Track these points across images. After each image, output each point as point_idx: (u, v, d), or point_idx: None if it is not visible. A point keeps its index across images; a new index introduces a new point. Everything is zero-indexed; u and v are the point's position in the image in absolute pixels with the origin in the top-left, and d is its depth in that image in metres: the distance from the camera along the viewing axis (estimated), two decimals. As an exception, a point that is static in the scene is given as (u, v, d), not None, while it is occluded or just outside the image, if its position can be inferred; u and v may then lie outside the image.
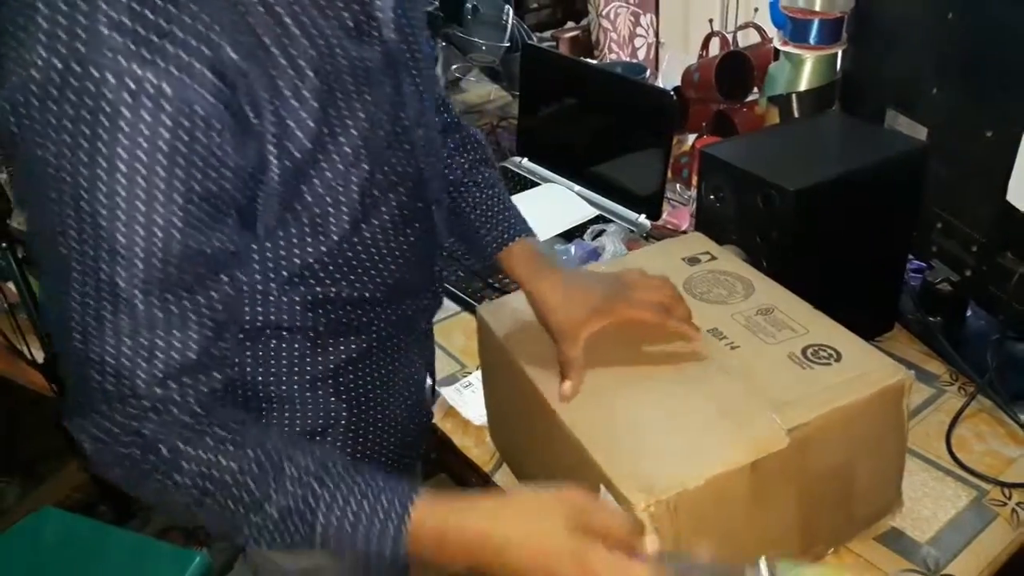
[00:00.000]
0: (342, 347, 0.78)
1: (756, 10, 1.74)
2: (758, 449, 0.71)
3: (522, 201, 1.53)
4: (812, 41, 1.29)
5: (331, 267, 0.71)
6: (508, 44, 1.85)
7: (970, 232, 1.10)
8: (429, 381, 0.96)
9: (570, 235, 1.40)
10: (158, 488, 0.63)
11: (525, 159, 1.65)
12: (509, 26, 1.83)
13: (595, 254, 1.29)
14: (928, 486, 0.94)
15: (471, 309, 1.21)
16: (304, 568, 0.87)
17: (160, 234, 0.57)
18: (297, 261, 0.69)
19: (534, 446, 0.88)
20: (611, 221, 1.42)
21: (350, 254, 0.71)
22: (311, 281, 0.71)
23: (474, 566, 0.62)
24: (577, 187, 1.54)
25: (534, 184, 1.57)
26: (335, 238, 0.69)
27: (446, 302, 1.03)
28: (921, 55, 1.16)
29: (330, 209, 0.67)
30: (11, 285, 1.48)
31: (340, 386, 0.79)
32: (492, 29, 1.84)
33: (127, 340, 0.58)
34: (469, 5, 1.81)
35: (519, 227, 0.90)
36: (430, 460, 1.09)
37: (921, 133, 1.16)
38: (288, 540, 0.62)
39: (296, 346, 0.75)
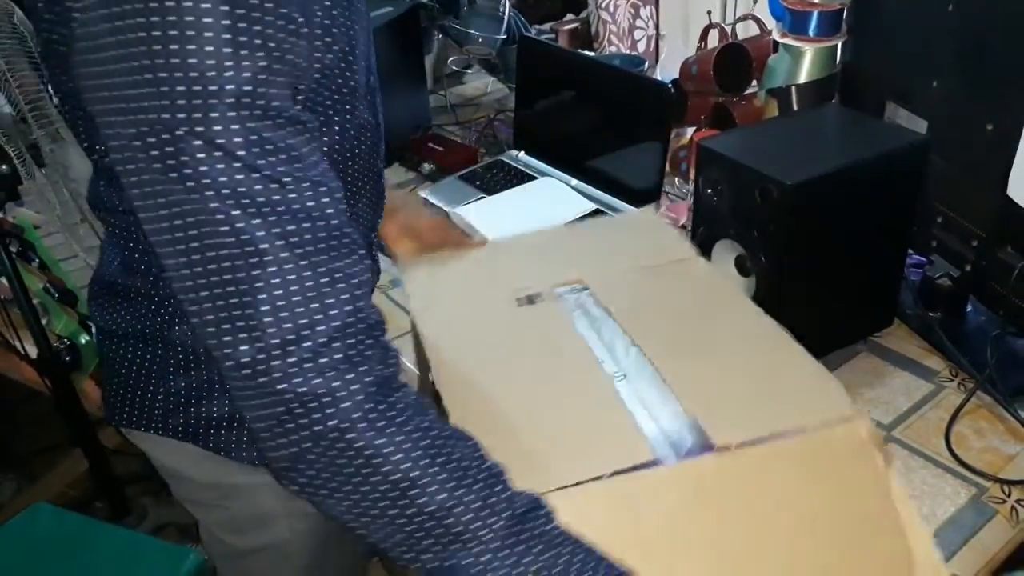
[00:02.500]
0: None
1: (755, 2, 1.72)
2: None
3: (519, 195, 1.54)
4: (811, 33, 1.27)
5: None
6: (505, 36, 1.83)
7: (970, 227, 1.09)
8: None
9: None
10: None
11: (522, 152, 1.64)
12: (506, 18, 1.82)
13: (592, 249, 1.28)
14: (927, 483, 0.93)
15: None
16: (259, 545, 0.86)
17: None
18: None
19: None
20: (608, 215, 1.41)
21: None
22: None
23: None
24: (574, 180, 1.52)
25: (531, 177, 1.56)
26: None
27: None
28: (921, 47, 1.15)
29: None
30: (3, 280, 1.47)
31: None
32: (489, 21, 1.83)
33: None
34: (465, -4, 1.80)
35: None
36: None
37: (921, 126, 1.15)
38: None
39: None
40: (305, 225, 0.55)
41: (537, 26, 2.02)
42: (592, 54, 1.87)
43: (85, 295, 1.60)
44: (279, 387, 0.54)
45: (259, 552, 0.86)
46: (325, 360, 0.55)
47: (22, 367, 1.56)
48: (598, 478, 0.62)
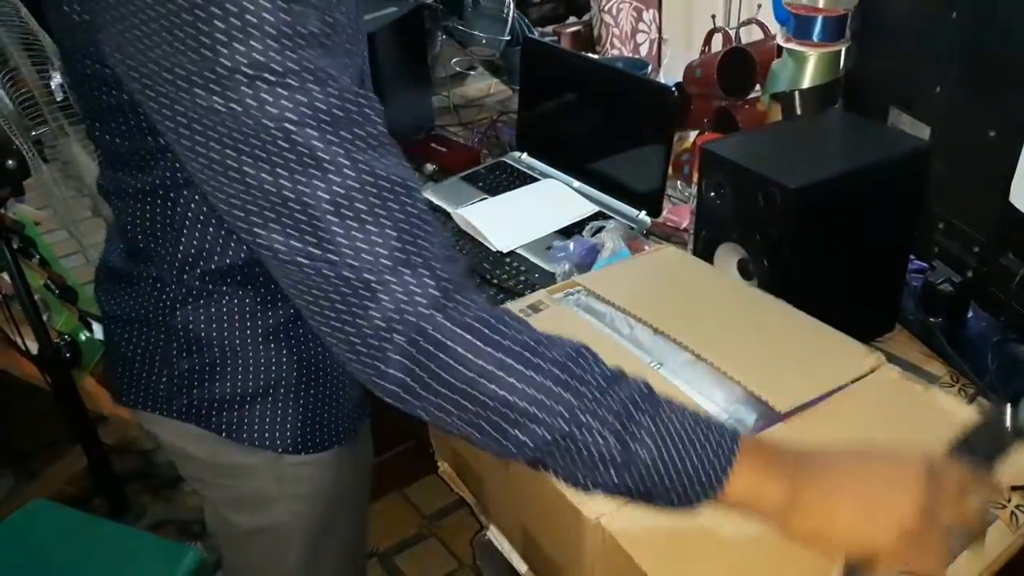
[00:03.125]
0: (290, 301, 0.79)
1: (759, 6, 1.72)
2: None
3: (521, 196, 1.54)
4: (815, 38, 1.28)
5: None
6: (509, 37, 1.83)
7: (972, 233, 1.09)
8: None
9: (569, 231, 1.39)
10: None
11: (525, 154, 1.64)
12: (510, 19, 1.82)
13: (594, 251, 1.28)
14: (927, 488, 0.93)
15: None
16: (260, 526, 0.88)
17: None
18: None
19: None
20: (611, 218, 1.41)
21: None
22: None
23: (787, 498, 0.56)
24: (577, 183, 1.53)
25: (533, 179, 1.56)
26: None
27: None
28: (925, 53, 1.16)
29: None
30: (5, 276, 1.46)
31: (291, 340, 0.80)
32: (493, 22, 1.83)
33: None
34: (470, -2, 1.80)
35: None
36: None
37: (924, 132, 1.15)
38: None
39: (247, 300, 0.76)
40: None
41: (540, 28, 2.02)
42: (595, 57, 1.87)
43: (85, 292, 1.61)
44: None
45: (260, 534, 0.89)
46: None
47: (22, 363, 1.56)
48: None
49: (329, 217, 0.54)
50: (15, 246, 1.48)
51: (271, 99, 0.54)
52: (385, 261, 0.55)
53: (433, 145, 1.72)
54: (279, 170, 0.54)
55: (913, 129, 1.17)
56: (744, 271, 1.08)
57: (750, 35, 1.69)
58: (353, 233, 0.55)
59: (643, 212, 1.42)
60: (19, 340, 1.50)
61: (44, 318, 1.50)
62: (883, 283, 1.13)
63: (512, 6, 1.82)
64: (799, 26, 1.28)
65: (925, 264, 1.20)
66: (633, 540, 0.66)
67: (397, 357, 0.55)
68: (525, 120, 1.66)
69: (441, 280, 0.56)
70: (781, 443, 0.59)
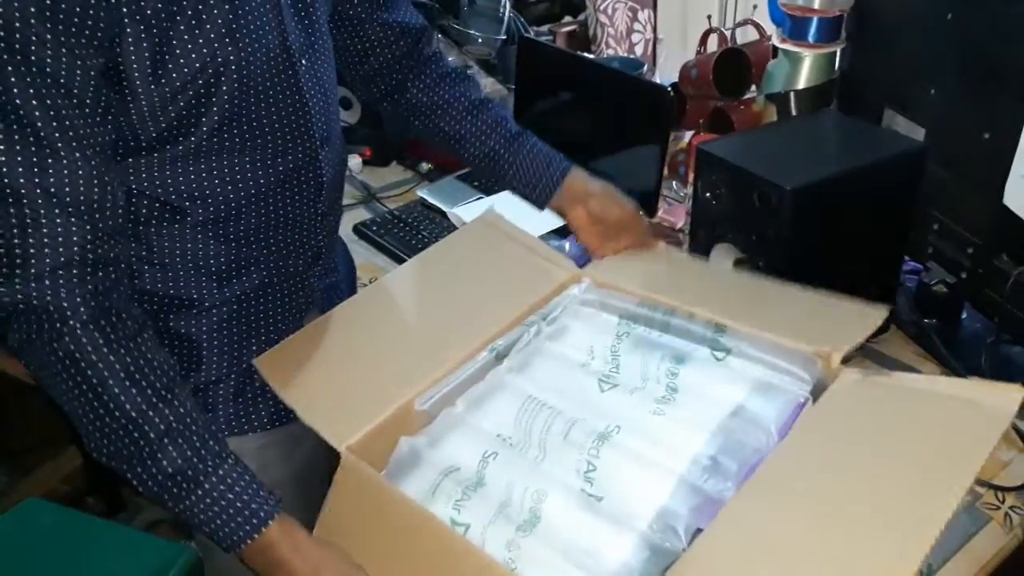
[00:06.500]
0: (243, 278, 0.84)
1: (755, 7, 1.72)
2: None
3: (515, 196, 1.53)
4: (811, 39, 1.28)
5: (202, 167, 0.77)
6: (505, 37, 1.83)
7: (966, 234, 1.10)
8: None
9: (564, 231, 1.38)
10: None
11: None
12: (506, 19, 1.82)
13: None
14: (921, 489, 0.93)
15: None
16: None
17: None
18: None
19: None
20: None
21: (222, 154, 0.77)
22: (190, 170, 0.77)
23: None
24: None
25: (529, 179, 1.55)
26: (204, 128, 0.74)
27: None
28: (920, 55, 1.16)
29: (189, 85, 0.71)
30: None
31: (243, 322, 0.86)
32: (489, 22, 1.83)
33: None
34: (466, -3, 1.79)
35: (554, 170, 1.05)
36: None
37: (919, 134, 1.16)
38: (163, 496, 0.71)
39: (204, 280, 0.82)
40: None
41: (535, 28, 2.02)
42: (591, 56, 1.87)
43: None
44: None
45: None
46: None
47: (14, 360, 1.55)
48: None
49: None
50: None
51: None
52: None
53: (428, 144, 1.72)
54: None
55: (908, 130, 1.17)
56: (741, 269, 1.08)
57: (746, 35, 1.69)
58: None
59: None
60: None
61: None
62: (878, 284, 1.13)
63: (508, 5, 1.82)
64: (795, 27, 1.29)
65: (919, 265, 1.21)
66: None
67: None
68: (520, 119, 1.66)
69: None
70: None
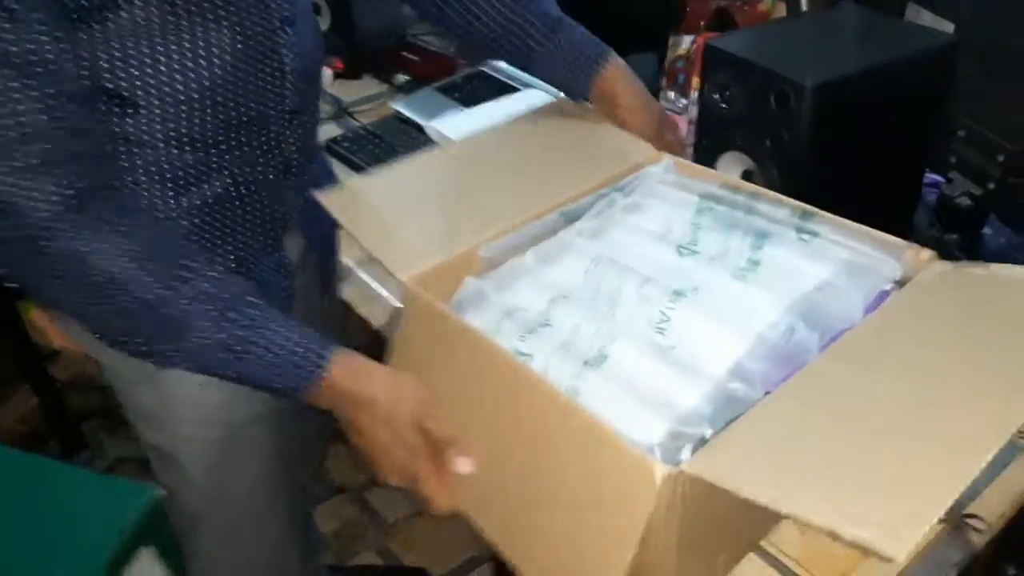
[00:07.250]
0: (202, 186, 0.77)
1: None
2: None
3: (500, 107, 1.42)
4: (826, -74, 1.16)
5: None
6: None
7: (998, 139, 1.00)
8: None
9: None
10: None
11: (504, 62, 1.51)
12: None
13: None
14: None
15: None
16: (154, 445, 0.91)
17: None
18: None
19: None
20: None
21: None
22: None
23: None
24: (562, 93, 1.41)
25: (514, 89, 1.44)
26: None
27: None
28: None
29: None
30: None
31: (205, 238, 0.80)
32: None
33: None
34: None
35: (593, 56, 0.95)
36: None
37: (948, 29, 1.05)
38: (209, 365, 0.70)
39: (158, 187, 0.75)
40: None
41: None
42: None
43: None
44: None
45: (156, 453, 0.91)
46: None
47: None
48: None
49: None
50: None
51: None
52: None
53: (404, 54, 1.59)
54: None
55: (935, 25, 1.06)
56: (749, 181, 0.99)
57: (749, -69, 1.55)
58: None
59: (634, 124, 1.31)
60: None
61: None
62: (898, 195, 1.04)
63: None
64: (809, -88, 1.16)
65: (939, 177, 1.12)
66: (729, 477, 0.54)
67: None
68: (504, 26, 1.53)
69: None
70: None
